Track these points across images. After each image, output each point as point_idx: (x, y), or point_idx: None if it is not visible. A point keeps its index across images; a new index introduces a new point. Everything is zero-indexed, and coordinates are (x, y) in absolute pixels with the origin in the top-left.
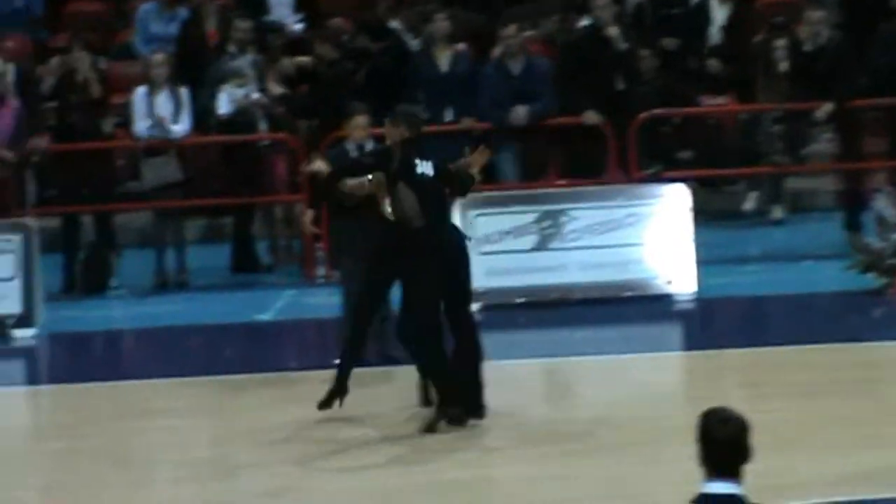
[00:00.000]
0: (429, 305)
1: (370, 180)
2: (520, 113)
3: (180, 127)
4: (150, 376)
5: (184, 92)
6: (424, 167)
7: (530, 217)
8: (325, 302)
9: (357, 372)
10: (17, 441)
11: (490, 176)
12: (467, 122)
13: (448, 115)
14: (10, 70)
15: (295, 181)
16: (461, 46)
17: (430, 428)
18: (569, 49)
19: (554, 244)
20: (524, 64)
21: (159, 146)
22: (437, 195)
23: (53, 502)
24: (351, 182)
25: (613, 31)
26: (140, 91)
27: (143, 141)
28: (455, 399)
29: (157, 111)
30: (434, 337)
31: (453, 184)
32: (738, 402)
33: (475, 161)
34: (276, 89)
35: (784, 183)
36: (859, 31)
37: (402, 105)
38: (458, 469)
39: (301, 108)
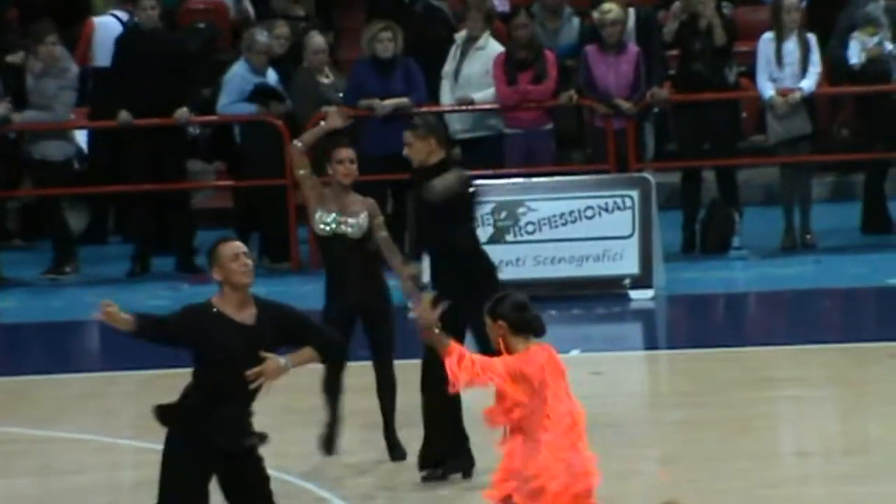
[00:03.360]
0: None
1: None
2: None
3: (807, 83)
4: (773, 343)
5: (811, 39)
6: None
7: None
8: None
9: None
10: (636, 408)
11: None
12: None
13: None
14: (630, 15)
15: None
16: None
17: None
18: None
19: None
20: None
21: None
22: None
23: (671, 473)
24: None
25: None
26: (765, 38)
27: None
28: None
29: (785, 59)
30: None
31: None
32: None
33: None
34: None
35: None
36: None
37: None
38: None
39: None
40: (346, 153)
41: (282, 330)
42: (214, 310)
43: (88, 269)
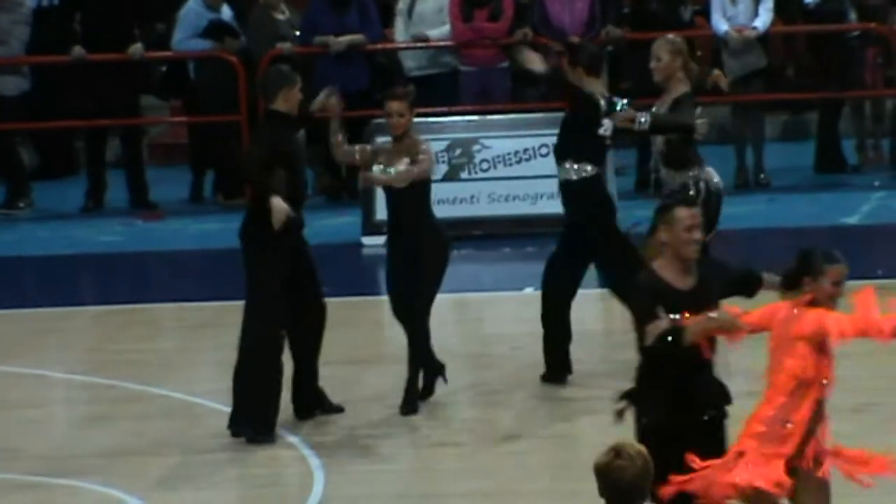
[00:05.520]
0: None
1: None
2: None
3: (760, 21)
4: None
5: None
6: None
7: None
8: None
9: None
10: (591, 347)
11: None
12: None
13: None
14: None
15: (888, 75)
16: None
17: None
18: None
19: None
20: None
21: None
22: None
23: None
24: None
25: None
26: None
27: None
28: None
29: None
30: None
31: None
32: None
33: None
34: None
35: None
36: None
37: None
38: None
39: None
40: (394, 106)
41: (727, 286)
42: (663, 281)
43: (42, 205)
